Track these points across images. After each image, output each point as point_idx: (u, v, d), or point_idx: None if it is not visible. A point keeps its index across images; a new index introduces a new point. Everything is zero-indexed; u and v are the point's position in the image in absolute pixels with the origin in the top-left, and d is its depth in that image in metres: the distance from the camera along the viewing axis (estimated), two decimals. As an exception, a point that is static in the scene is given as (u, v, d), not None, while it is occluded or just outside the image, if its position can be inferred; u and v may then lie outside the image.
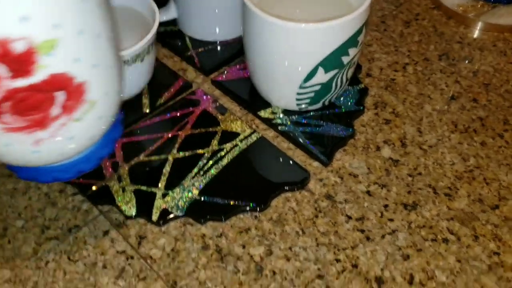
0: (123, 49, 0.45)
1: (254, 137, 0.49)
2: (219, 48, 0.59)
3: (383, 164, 0.47)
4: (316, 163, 0.48)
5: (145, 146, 0.48)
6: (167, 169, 0.46)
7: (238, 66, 0.56)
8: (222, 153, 0.48)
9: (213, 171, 0.46)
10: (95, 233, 0.43)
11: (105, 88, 0.37)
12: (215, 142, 0.49)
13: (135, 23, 0.52)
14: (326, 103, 0.51)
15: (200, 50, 0.58)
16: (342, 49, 0.45)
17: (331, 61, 0.45)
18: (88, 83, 0.34)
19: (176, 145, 0.48)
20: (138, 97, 0.52)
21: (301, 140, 0.49)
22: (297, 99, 0.49)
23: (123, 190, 0.45)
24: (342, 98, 0.52)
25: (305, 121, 0.50)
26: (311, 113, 0.51)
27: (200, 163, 0.47)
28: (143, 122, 0.51)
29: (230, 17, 0.56)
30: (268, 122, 0.51)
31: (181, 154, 0.48)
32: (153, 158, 0.47)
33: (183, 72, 0.57)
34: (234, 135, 0.49)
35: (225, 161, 0.47)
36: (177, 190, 0.45)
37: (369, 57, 0.58)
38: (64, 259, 0.41)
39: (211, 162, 0.47)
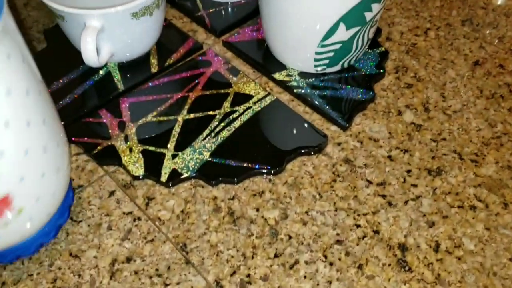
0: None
1: (268, 100, 0.46)
2: (230, 9, 0.56)
3: (405, 129, 0.45)
4: (334, 127, 0.45)
5: (153, 106, 0.46)
6: (176, 130, 0.44)
7: (251, 28, 0.53)
8: (235, 115, 0.45)
9: (225, 133, 0.44)
10: (100, 193, 0.40)
11: (35, 195, 0.32)
12: (227, 104, 0.46)
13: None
14: (346, 65, 0.48)
15: (211, 10, 0.55)
16: (366, 4, 0.42)
17: (353, 16, 0.42)
18: (12, 194, 0.30)
19: (186, 106, 0.46)
20: (146, 57, 0.50)
21: (318, 103, 0.46)
22: (316, 60, 0.46)
23: (130, 150, 0.42)
24: (361, 61, 0.49)
25: (322, 84, 0.47)
26: (329, 76, 0.48)
27: (211, 125, 0.44)
28: (151, 82, 0.48)
29: (243, -23, 0.53)
30: (283, 84, 0.48)
31: (191, 115, 0.45)
32: (161, 118, 0.45)
33: (193, 33, 0.54)
34: (247, 97, 0.46)
35: (237, 123, 0.44)
36: (187, 151, 0.42)
37: (389, 21, 0.55)
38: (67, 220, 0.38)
39: (223, 124, 0.44)
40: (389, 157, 0.43)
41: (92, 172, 0.41)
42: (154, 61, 0.50)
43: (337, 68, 0.48)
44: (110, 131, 0.44)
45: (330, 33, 0.43)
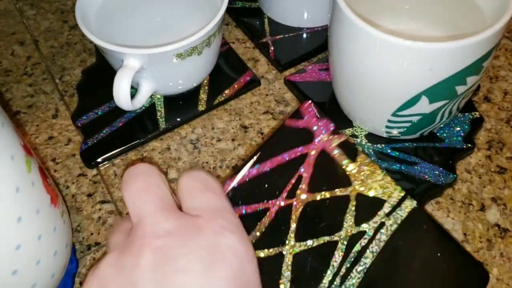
0: (179, 39, 0.36)
1: (407, 207, 0.25)
2: (304, 36, 0.48)
3: (485, 232, 0.36)
4: (396, 215, 0.37)
5: None
6: (285, 275, 0.24)
7: (320, 65, 0.45)
8: (363, 241, 0.25)
9: (354, 279, 0.24)
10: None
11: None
12: (349, 220, 0.26)
13: (201, 3, 0.43)
14: (425, 133, 0.39)
15: (278, 37, 0.48)
16: (459, 77, 0.33)
17: (440, 90, 0.34)
18: None
19: (292, 227, 0.25)
20: (195, 91, 0.44)
21: (382, 179, 0.38)
22: (387, 127, 0.38)
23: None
24: (446, 129, 0.40)
25: (393, 154, 0.39)
26: (403, 144, 0.40)
27: (333, 264, 0.24)
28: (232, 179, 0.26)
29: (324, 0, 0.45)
30: (345, 146, 0.40)
31: (302, 245, 0.25)
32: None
33: (253, 63, 0.47)
34: (376, 203, 0.26)
35: (368, 259, 0.25)
36: None
37: (492, 74, 0.45)
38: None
39: (348, 261, 0.24)
40: (458, 269, 0.34)
41: (113, 229, 0.37)
42: (203, 96, 0.44)
43: (414, 136, 0.39)
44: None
45: (407, 104, 0.35)
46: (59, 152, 0.42)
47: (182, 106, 0.43)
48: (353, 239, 0.26)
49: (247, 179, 0.26)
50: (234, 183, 0.26)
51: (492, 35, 0.31)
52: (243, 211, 0.26)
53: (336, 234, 0.26)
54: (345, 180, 0.27)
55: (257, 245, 0.25)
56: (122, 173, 0.40)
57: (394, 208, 0.26)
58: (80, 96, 0.45)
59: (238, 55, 0.47)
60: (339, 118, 0.41)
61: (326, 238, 0.26)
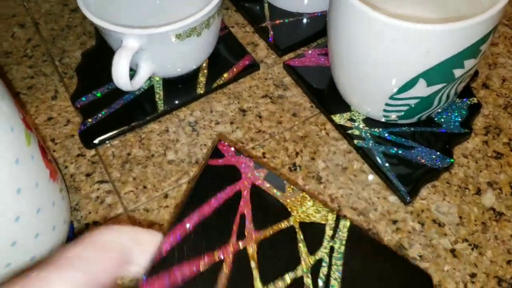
0: (178, 20, 0.36)
1: (343, 228, 0.25)
2: (304, 21, 0.48)
3: (480, 215, 0.36)
4: (393, 198, 0.37)
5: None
6: None
7: (319, 50, 0.45)
8: (324, 270, 0.24)
9: None
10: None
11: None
12: (303, 252, 0.24)
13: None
14: (423, 118, 0.40)
15: (278, 22, 0.48)
16: (456, 60, 0.33)
17: (437, 73, 0.34)
18: None
19: (256, 274, 0.23)
20: (194, 74, 0.44)
21: (380, 162, 0.38)
22: (385, 110, 0.38)
23: None
24: (444, 114, 0.41)
25: (390, 138, 0.40)
26: (401, 128, 0.40)
27: None
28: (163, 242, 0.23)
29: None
30: (342, 130, 0.41)
31: None
32: None
33: (253, 47, 0.47)
34: (318, 228, 0.25)
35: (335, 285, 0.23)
36: None
37: (491, 61, 0.45)
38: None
39: None
40: (453, 251, 0.35)
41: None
42: (202, 79, 0.44)
43: (412, 120, 0.40)
44: None
45: (405, 87, 0.35)
46: (58, 133, 0.42)
47: (181, 89, 0.43)
48: (314, 269, 0.25)
49: (188, 232, 0.23)
50: (172, 240, 0.23)
51: (489, 18, 0.31)
52: (194, 269, 0.23)
53: (298, 268, 0.24)
54: (284, 212, 0.26)
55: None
56: (120, 154, 0.40)
57: (335, 230, 0.26)
58: (80, 78, 0.45)
59: (237, 39, 0.47)
60: (338, 103, 0.42)
61: (291, 275, 0.24)
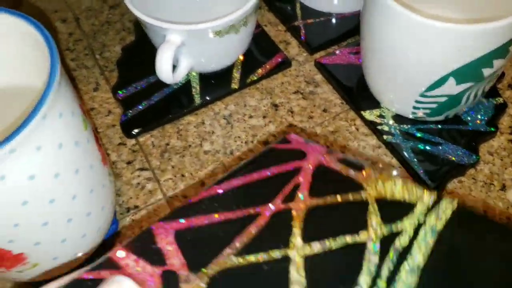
0: (217, 17, 0.38)
1: (446, 207, 0.23)
2: (334, 21, 0.50)
3: (505, 210, 0.38)
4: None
5: (224, 236, 0.22)
6: (296, 279, 0.21)
7: (350, 49, 0.47)
8: (402, 241, 0.22)
9: (410, 279, 0.21)
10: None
11: (53, 255, 0.30)
12: (374, 220, 0.23)
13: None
14: (450, 116, 0.41)
15: (309, 21, 0.50)
16: (485, 60, 0.35)
17: (467, 72, 0.35)
18: (27, 254, 0.28)
19: (296, 230, 0.22)
20: (229, 68, 0.46)
21: (408, 157, 0.40)
22: (414, 107, 0.40)
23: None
24: (471, 113, 0.42)
25: (418, 134, 0.41)
26: (428, 125, 0.41)
27: (368, 265, 0.21)
28: (215, 188, 0.24)
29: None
30: (372, 126, 0.42)
31: (313, 247, 0.22)
32: (250, 259, 0.22)
33: (285, 45, 0.49)
34: (404, 205, 0.23)
35: (419, 257, 0.21)
36: None
37: (518, 62, 0.46)
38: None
39: (391, 261, 0.21)
40: (478, 243, 0.36)
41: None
42: (237, 75, 0.46)
43: (439, 118, 0.41)
44: None
45: (435, 85, 0.37)
46: (100, 123, 0.44)
47: (216, 83, 0.45)
48: (387, 239, 0.22)
49: (232, 188, 0.23)
50: (218, 189, 0.23)
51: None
52: (223, 217, 0.22)
53: (361, 234, 0.22)
54: (355, 186, 0.23)
55: (245, 250, 0.21)
56: (159, 144, 0.42)
57: (431, 208, 0.23)
58: (120, 71, 0.47)
59: (270, 37, 0.49)
60: (367, 100, 0.43)
61: (348, 239, 0.22)
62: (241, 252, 0.21)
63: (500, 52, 0.34)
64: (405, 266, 0.21)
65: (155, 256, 0.21)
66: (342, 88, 0.45)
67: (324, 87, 0.46)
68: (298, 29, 0.49)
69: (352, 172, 0.24)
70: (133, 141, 0.43)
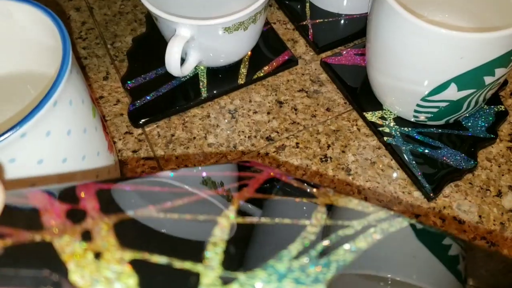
0: (228, 14, 0.39)
1: (403, 221, 0.22)
2: (342, 22, 0.51)
3: (499, 216, 0.38)
4: (417, 193, 0.40)
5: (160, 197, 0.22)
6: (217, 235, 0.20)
7: (356, 50, 0.48)
8: (347, 231, 0.21)
9: (345, 254, 0.20)
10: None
11: None
12: (320, 216, 0.22)
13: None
14: (451, 121, 0.42)
15: (318, 21, 0.50)
16: (487, 68, 0.35)
17: (469, 79, 0.36)
18: None
19: (232, 207, 0.22)
20: (237, 64, 0.47)
21: (407, 159, 0.41)
22: (416, 111, 0.41)
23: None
24: (471, 119, 0.43)
25: (418, 137, 0.42)
26: (429, 129, 0.42)
27: (305, 236, 0.21)
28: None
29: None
30: (373, 127, 0.43)
31: (242, 220, 0.22)
32: (163, 215, 0.21)
33: (292, 43, 0.50)
34: (354, 213, 0.22)
35: (362, 243, 0.21)
36: (259, 274, 0.19)
37: (521, 71, 0.47)
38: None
39: (327, 243, 0.21)
40: (471, 247, 0.37)
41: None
42: (243, 71, 0.47)
43: (440, 122, 0.42)
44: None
45: (437, 90, 0.37)
46: (108, 111, 0.45)
47: (223, 78, 0.46)
48: (329, 227, 0.21)
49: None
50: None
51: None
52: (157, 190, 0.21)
53: (302, 220, 0.21)
54: (307, 194, 0.22)
55: (172, 210, 0.20)
56: (165, 135, 0.43)
57: (386, 219, 0.22)
58: (130, 62, 0.48)
59: (278, 35, 0.50)
60: (370, 101, 0.44)
61: (287, 221, 0.21)
62: (166, 211, 0.20)
63: (503, 61, 0.35)
64: (345, 246, 0.20)
65: (68, 197, 0.21)
66: (346, 88, 0.45)
67: (329, 87, 0.46)
68: (307, 28, 0.50)
69: (306, 186, 0.23)
70: (139, 130, 0.44)
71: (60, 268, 0.18)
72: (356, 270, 0.20)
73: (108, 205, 0.21)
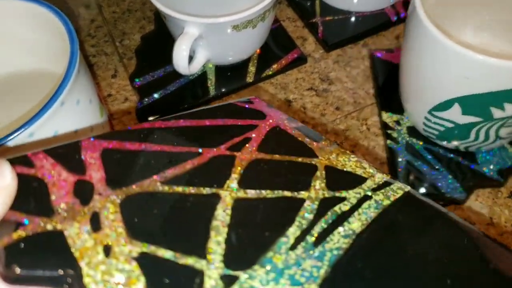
0: (236, 12, 0.39)
1: (397, 190, 0.22)
2: (353, 19, 0.50)
3: (511, 218, 0.38)
4: (426, 194, 0.39)
5: (159, 164, 0.21)
6: (220, 218, 0.20)
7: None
8: (344, 207, 0.22)
9: (339, 241, 0.20)
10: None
11: None
12: (318, 184, 0.22)
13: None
14: (462, 148, 0.40)
15: (328, 18, 0.50)
16: (494, 98, 0.33)
17: (473, 104, 0.34)
18: None
19: (234, 175, 0.21)
20: (245, 62, 0.47)
21: (399, 173, 0.40)
22: (424, 124, 0.39)
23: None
24: (485, 155, 0.41)
25: (421, 153, 0.40)
26: (437, 148, 0.41)
27: (300, 220, 0.20)
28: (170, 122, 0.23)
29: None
30: (384, 128, 0.42)
31: (247, 192, 0.21)
32: (177, 189, 0.20)
33: (302, 41, 0.49)
34: (354, 178, 0.23)
35: (356, 225, 0.21)
36: (258, 270, 0.18)
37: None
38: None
39: (324, 221, 0.21)
40: (481, 249, 0.37)
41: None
42: (252, 68, 0.46)
43: (450, 145, 0.40)
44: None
45: (441, 107, 0.36)
46: (116, 109, 0.45)
47: (231, 76, 0.46)
48: (327, 202, 0.21)
49: (178, 126, 0.22)
50: (163, 124, 0.22)
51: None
52: (158, 148, 0.21)
53: (302, 193, 0.21)
54: (307, 151, 0.23)
55: (175, 181, 0.20)
56: (172, 133, 0.43)
57: (379, 186, 0.22)
58: (138, 60, 0.48)
59: (287, 32, 0.49)
60: (394, 102, 0.43)
61: (287, 193, 0.21)
62: (169, 182, 0.20)
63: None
64: (339, 230, 0.20)
65: (74, 165, 0.20)
66: (377, 82, 0.45)
67: (338, 85, 0.46)
68: (316, 25, 0.49)
69: (307, 140, 0.24)
70: (147, 129, 0.44)
71: (74, 267, 0.18)
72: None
73: (113, 174, 0.20)
